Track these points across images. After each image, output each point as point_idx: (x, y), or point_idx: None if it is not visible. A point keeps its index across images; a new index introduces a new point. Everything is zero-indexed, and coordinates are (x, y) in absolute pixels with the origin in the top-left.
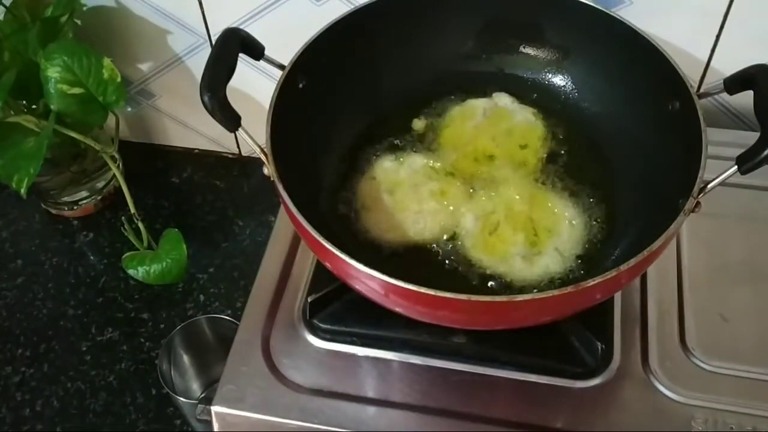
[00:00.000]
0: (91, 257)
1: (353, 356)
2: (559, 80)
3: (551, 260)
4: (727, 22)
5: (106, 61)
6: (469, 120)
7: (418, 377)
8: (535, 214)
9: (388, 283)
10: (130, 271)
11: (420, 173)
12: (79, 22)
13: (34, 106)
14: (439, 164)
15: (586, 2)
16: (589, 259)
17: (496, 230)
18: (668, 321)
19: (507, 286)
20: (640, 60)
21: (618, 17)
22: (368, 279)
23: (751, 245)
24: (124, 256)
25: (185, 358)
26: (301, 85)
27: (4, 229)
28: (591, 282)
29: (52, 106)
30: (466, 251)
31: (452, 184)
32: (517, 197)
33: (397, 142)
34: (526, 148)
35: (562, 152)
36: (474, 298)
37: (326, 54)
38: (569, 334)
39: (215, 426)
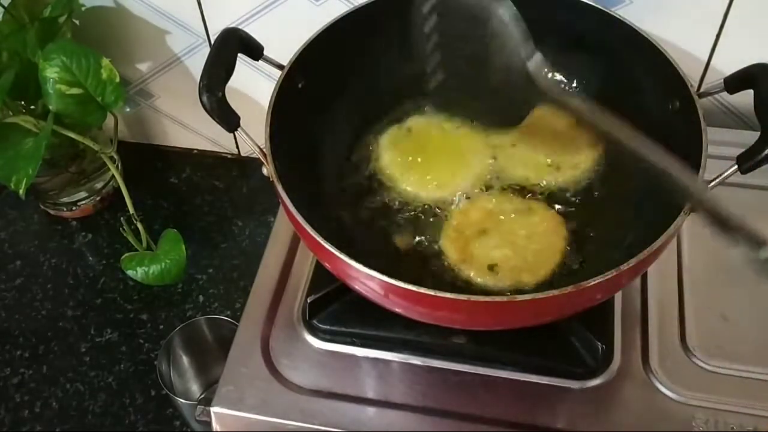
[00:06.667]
0: (90, 258)
1: (353, 357)
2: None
3: None
4: (727, 21)
5: (105, 62)
6: None
7: (418, 378)
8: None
9: (388, 283)
10: (129, 272)
11: None
12: (77, 22)
13: (32, 107)
14: None
15: (586, 1)
16: (589, 260)
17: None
18: (669, 321)
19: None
20: (640, 59)
21: (618, 16)
22: (368, 279)
23: None
24: (123, 257)
25: (184, 359)
26: (300, 85)
27: (3, 229)
28: (591, 282)
29: (50, 107)
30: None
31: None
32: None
33: None
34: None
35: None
36: (474, 298)
37: (325, 54)
38: (569, 335)
39: (215, 427)
